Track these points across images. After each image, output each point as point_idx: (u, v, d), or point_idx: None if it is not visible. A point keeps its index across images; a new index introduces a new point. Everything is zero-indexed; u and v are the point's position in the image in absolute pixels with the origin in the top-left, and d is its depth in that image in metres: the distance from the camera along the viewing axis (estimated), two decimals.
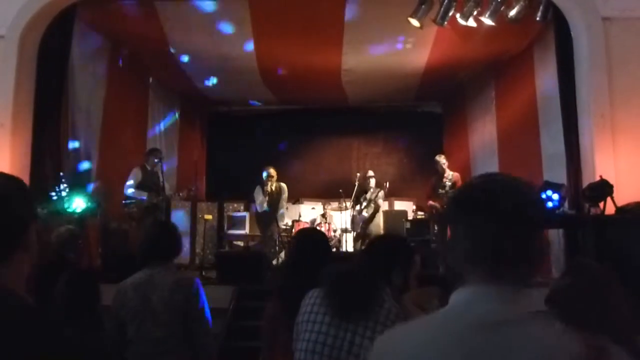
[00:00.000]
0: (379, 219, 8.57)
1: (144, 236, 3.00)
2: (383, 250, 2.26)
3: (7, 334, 0.97)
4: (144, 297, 2.72)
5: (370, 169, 9.02)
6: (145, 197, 6.80)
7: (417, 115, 10.73)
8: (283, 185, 7.78)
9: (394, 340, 1.07)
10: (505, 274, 1.01)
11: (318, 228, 8.34)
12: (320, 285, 2.03)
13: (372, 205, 8.26)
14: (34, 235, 1.14)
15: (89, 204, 6.14)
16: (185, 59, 8.11)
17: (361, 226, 8.26)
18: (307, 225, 8.76)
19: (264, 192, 7.56)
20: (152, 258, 2.82)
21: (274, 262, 7.38)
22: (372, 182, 8.41)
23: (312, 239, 2.69)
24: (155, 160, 6.95)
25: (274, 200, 7.63)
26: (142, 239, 2.97)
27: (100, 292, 2.94)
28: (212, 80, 9.09)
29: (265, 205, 7.56)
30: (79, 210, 6.02)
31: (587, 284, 2.06)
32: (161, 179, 6.89)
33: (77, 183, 6.54)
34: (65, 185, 6.07)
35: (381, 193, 8.31)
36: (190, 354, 2.72)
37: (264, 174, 7.65)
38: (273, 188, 7.63)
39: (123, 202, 6.86)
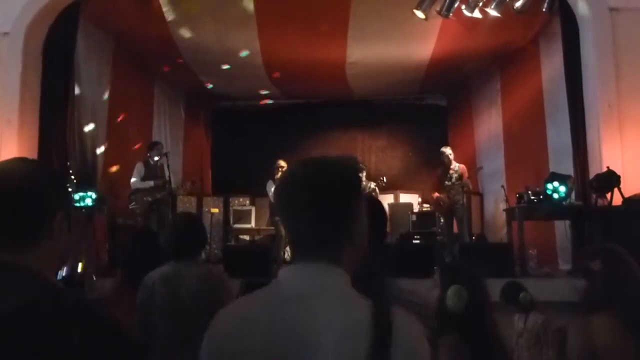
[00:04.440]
0: None
1: (171, 230, 2.98)
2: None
3: (26, 317, 0.98)
4: (173, 291, 2.69)
5: (375, 163, 8.98)
6: (152, 183, 6.82)
7: (422, 108, 10.69)
8: None
9: (221, 320, 1.14)
10: (314, 253, 1.09)
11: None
12: None
13: None
14: (64, 226, 1.13)
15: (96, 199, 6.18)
16: (189, 54, 8.11)
17: None
18: None
19: (275, 181, 7.53)
20: (179, 252, 2.79)
21: (281, 255, 7.40)
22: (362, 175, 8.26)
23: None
24: (158, 154, 6.97)
25: None
26: (168, 233, 2.95)
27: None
28: (217, 76, 9.08)
29: None
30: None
31: (619, 266, 2.09)
32: (167, 173, 6.91)
33: (84, 178, 6.58)
34: (72, 180, 6.10)
35: (372, 185, 8.10)
36: None
37: (275, 166, 7.62)
38: None
39: (128, 199, 6.90)
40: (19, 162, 1.16)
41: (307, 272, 1.09)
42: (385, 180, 8.24)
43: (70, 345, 0.97)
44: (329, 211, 1.09)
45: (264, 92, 9.97)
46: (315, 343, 1.01)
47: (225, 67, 8.41)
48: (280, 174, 7.48)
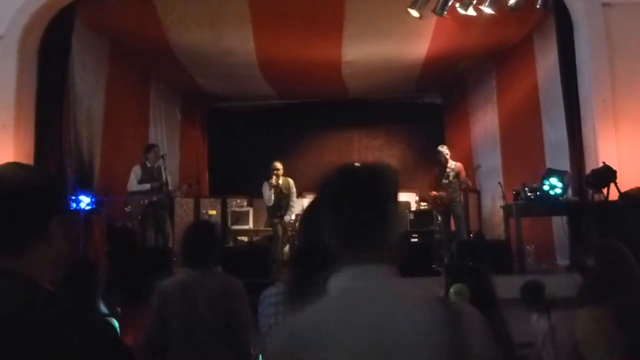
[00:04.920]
0: None
1: (187, 236, 2.95)
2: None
3: (25, 320, 0.98)
4: (191, 300, 2.68)
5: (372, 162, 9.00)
6: (149, 187, 6.82)
7: (418, 107, 10.71)
8: (291, 182, 7.71)
9: (291, 330, 1.14)
10: (368, 256, 1.12)
11: None
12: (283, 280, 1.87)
13: None
14: (59, 231, 1.14)
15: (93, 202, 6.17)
16: (184, 55, 8.10)
17: None
18: None
19: (270, 185, 7.55)
20: (194, 260, 2.79)
21: (279, 256, 7.40)
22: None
23: None
24: (155, 156, 6.96)
25: (282, 195, 7.58)
26: (184, 239, 2.93)
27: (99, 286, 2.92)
28: (212, 77, 9.07)
29: (272, 198, 7.52)
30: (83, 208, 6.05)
31: (613, 262, 2.10)
32: (164, 175, 6.90)
33: (81, 181, 6.56)
34: (68, 184, 6.09)
35: None
36: (232, 357, 2.67)
37: (271, 168, 7.63)
38: (280, 182, 7.59)
39: (124, 203, 6.89)
40: (14, 167, 1.17)
41: (370, 273, 1.13)
42: None
43: (69, 347, 0.98)
44: (383, 213, 1.15)
45: (260, 92, 9.96)
46: (395, 344, 1.05)
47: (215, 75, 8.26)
48: (275, 177, 7.52)
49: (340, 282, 1.14)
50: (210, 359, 2.66)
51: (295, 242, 8.46)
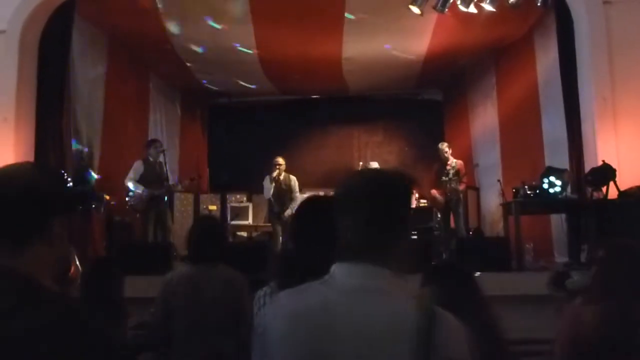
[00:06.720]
0: None
1: (194, 231, 2.97)
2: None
3: (26, 319, 0.98)
4: (195, 291, 2.73)
5: (372, 158, 9.02)
6: (143, 191, 6.74)
7: (418, 103, 10.70)
8: (293, 178, 7.68)
9: (274, 307, 1.27)
10: (364, 256, 1.19)
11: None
12: (273, 280, 1.88)
13: None
14: (61, 230, 1.14)
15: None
16: (184, 51, 8.09)
17: None
18: None
19: (271, 179, 7.54)
20: (202, 254, 2.82)
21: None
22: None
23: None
24: (157, 151, 6.93)
25: (281, 191, 7.56)
26: (191, 234, 2.95)
27: (122, 283, 2.96)
28: (212, 73, 9.07)
29: (271, 192, 7.52)
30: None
31: (626, 263, 2.13)
32: (165, 170, 6.88)
33: (81, 177, 6.57)
34: (68, 178, 6.09)
35: None
36: (231, 348, 2.71)
37: (273, 163, 7.63)
38: (281, 177, 7.57)
39: (126, 195, 6.86)
40: (24, 166, 1.17)
41: (354, 271, 1.20)
42: None
43: (64, 347, 0.98)
44: (380, 218, 1.20)
45: (260, 88, 9.95)
46: (357, 337, 1.11)
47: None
48: (277, 171, 7.50)
49: (333, 277, 1.20)
50: (211, 348, 2.71)
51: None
